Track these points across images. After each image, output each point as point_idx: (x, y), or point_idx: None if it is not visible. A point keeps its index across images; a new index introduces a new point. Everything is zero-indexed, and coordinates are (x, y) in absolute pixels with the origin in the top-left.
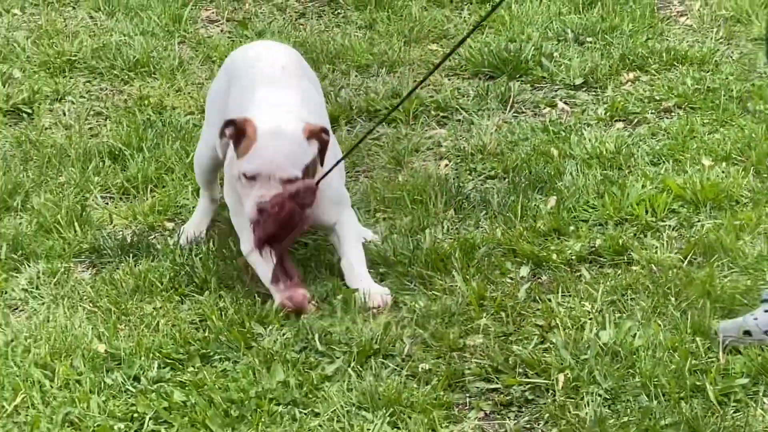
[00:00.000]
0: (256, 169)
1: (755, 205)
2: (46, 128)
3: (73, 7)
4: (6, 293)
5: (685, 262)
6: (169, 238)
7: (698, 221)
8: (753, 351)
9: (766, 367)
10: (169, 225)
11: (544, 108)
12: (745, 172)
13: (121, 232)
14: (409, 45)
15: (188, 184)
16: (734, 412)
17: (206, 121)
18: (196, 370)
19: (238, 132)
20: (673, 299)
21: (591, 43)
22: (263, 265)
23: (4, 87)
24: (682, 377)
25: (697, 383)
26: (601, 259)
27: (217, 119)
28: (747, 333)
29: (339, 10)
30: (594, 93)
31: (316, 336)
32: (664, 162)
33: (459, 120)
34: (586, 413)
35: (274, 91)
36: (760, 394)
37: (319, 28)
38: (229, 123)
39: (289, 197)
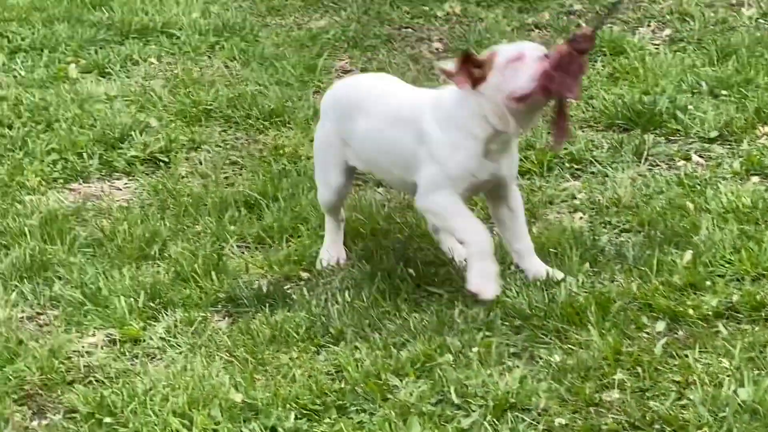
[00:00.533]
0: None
1: None
2: (182, 177)
3: (209, 57)
4: (144, 341)
5: None
6: (305, 288)
7: None
8: None
9: None
10: (305, 275)
11: (679, 161)
12: None
13: (257, 282)
14: None
15: (323, 234)
16: None
17: (322, 164)
18: (333, 421)
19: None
20: None
21: (726, 96)
22: (461, 217)
23: (142, 135)
24: None
25: None
26: (739, 315)
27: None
28: None
29: None
30: (729, 146)
31: (452, 389)
32: None
33: (593, 172)
34: None
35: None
36: None
37: None
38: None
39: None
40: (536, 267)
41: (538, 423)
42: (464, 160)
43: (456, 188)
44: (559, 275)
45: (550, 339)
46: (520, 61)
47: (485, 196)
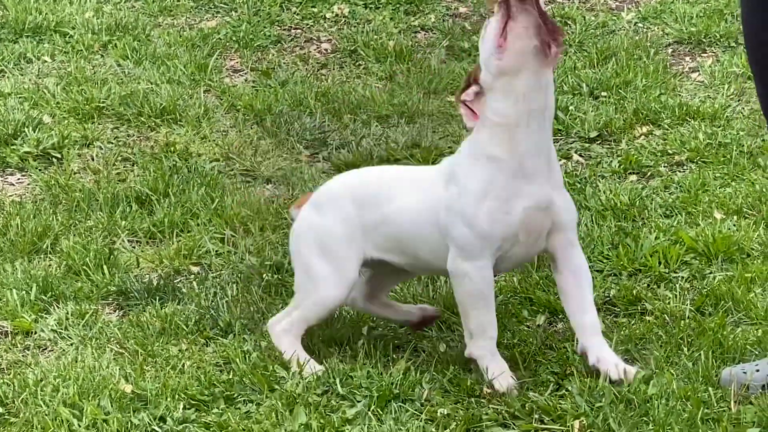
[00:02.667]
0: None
1: (765, 258)
2: (75, 173)
3: (102, 55)
4: (36, 333)
5: (697, 313)
6: (194, 282)
7: (710, 273)
8: (764, 401)
9: None
10: (195, 269)
11: (560, 160)
12: (756, 225)
13: (147, 276)
14: (429, 96)
15: (212, 229)
16: None
17: (330, 259)
18: (221, 411)
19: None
20: (685, 349)
21: (605, 97)
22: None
23: (35, 132)
24: (695, 426)
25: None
26: (616, 308)
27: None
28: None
29: (360, 62)
30: (608, 146)
31: (338, 380)
32: (676, 214)
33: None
34: None
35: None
36: None
37: (340, 78)
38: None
39: None
40: (600, 351)
41: (420, 413)
42: (492, 198)
43: (490, 249)
44: (630, 371)
45: (434, 332)
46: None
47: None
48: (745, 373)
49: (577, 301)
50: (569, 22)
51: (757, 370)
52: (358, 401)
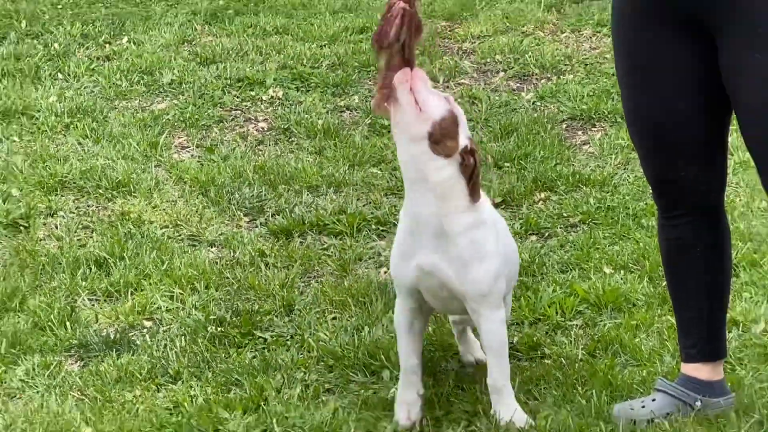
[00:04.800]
0: None
1: (648, 307)
2: (40, 240)
3: (64, 135)
4: (5, 383)
5: (590, 357)
6: (147, 335)
7: (601, 321)
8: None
9: None
10: (147, 323)
11: None
12: (640, 279)
13: (105, 330)
14: (353, 168)
15: (163, 288)
16: None
17: None
18: None
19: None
20: (579, 389)
21: (508, 167)
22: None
23: (5, 204)
24: None
25: None
26: (519, 353)
27: None
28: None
29: (293, 138)
30: (512, 210)
31: (275, 420)
32: (571, 270)
33: (395, 233)
34: None
35: None
36: None
37: (276, 153)
38: None
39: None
40: (496, 406)
41: None
42: (398, 247)
43: (400, 293)
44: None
45: (359, 376)
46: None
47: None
48: (632, 409)
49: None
50: (476, 101)
51: (643, 407)
52: None
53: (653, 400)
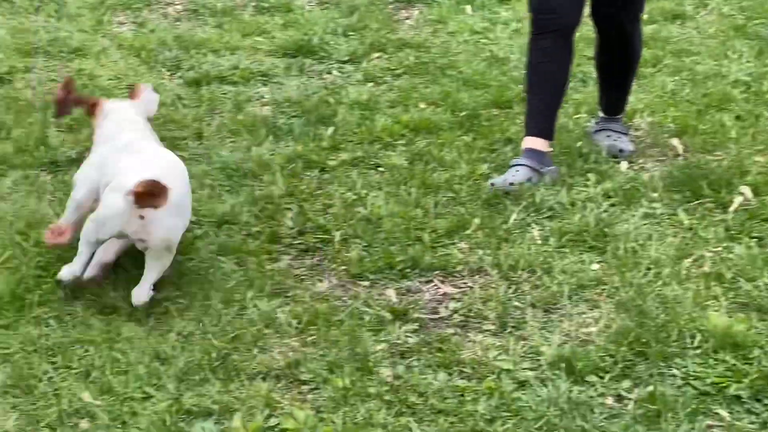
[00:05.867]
0: None
1: (450, 131)
2: (20, 89)
3: (35, 15)
4: None
5: (410, 165)
6: None
7: (418, 140)
8: None
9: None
10: None
11: (325, 74)
12: (445, 111)
13: (68, 152)
14: (244, 37)
15: None
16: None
17: None
18: None
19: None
20: (403, 186)
21: (352, 35)
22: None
23: None
24: (409, 232)
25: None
26: (361, 164)
27: None
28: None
29: (201, 17)
30: (355, 66)
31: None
32: (397, 106)
33: (275, 82)
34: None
35: None
36: None
37: (189, 27)
38: None
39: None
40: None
41: (241, 231)
42: None
43: None
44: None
45: (248, 181)
46: None
47: None
48: (508, 181)
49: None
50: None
51: (516, 173)
52: (203, 225)
53: (517, 171)
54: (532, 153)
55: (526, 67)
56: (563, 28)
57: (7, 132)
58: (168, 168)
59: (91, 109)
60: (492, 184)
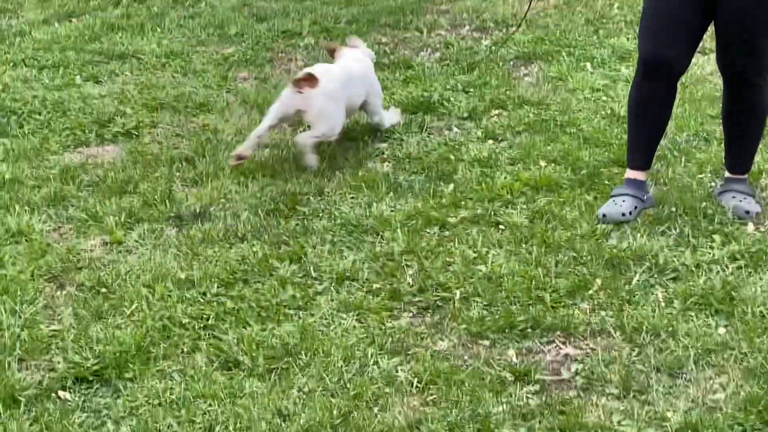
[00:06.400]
0: None
1: (571, 188)
2: (147, 143)
3: (162, 71)
4: (125, 243)
5: (530, 222)
6: (222, 209)
7: (538, 198)
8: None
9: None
10: (222, 201)
11: (445, 131)
12: (565, 169)
13: (193, 206)
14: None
15: (233, 177)
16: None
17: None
18: (240, 288)
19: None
20: (524, 245)
21: (472, 92)
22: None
23: (121, 119)
24: (529, 291)
25: (539, 296)
26: (480, 223)
27: None
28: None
29: None
30: (475, 122)
31: (311, 268)
32: (517, 163)
33: (395, 138)
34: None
35: None
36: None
37: None
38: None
39: None
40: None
41: (362, 288)
42: None
43: None
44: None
45: (369, 237)
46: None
47: None
48: (620, 211)
49: None
50: (450, 47)
51: (624, 203)
52: (325, 281)
53: (624, 201)
54: (634, 183)
55: (629, 102)
56: (674, 76)
57: (134, 186)
58: (332, 71)
59: (331, 53)
60: (603, 215)
